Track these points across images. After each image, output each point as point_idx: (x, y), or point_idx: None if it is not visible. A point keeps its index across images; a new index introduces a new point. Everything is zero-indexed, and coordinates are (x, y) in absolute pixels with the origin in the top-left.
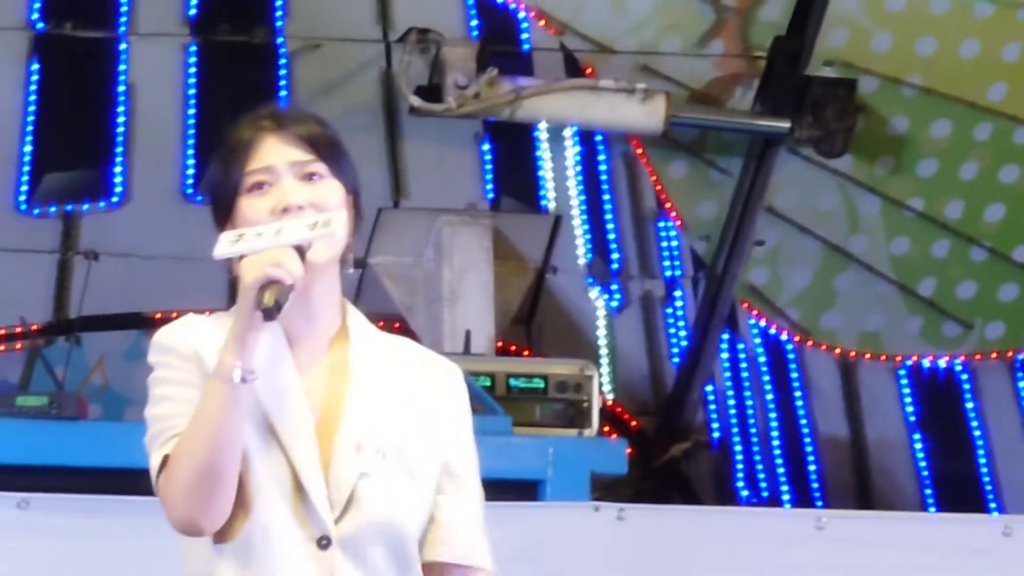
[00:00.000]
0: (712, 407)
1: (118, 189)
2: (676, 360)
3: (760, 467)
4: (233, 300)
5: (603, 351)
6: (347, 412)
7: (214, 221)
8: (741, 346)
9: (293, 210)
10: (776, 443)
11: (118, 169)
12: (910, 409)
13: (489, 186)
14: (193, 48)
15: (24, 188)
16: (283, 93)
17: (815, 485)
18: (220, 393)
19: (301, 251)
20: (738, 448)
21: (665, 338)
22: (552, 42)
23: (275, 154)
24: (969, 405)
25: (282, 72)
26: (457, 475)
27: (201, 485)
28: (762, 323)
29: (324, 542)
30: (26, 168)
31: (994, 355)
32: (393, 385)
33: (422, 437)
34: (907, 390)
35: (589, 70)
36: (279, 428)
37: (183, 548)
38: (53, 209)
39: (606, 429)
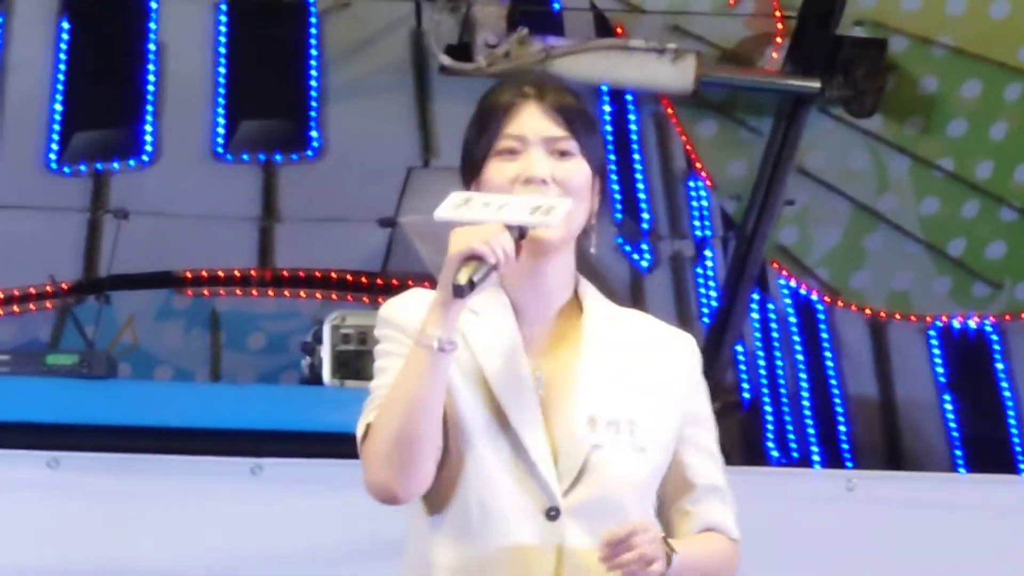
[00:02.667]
0: (742, 367)
1: (148, 148)
2: (706, 320)
3: (790, 428)
4: (265, 260)
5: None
6: (579, 384)
7: (461, 178)
8: (771, 306)
9: (536, 182)
10: (806, 404)
11: (148, 128)
12: (940, 370)
13: None
14: (223, 7)
15: (54, 147)
16: (313, 52)
17: (845, 446)
18: (419, 360)
19: (522, 231)
20: (768, 409)
21: (695, 298)
22: (582, 2)
23: (531, 124)
24: (999, 366)
25: (312, 31)
26: (698, 444)
27: (395, 451)
28: (792, 283)
29: (553, 513)
30: (56, 127)
31: None
32: (625, 357)
33: (654, 409)
34: (937, 351)
35: (619, 30)
36: (504, 401)
37: (407, 529)
38: (83, 168)
39: None
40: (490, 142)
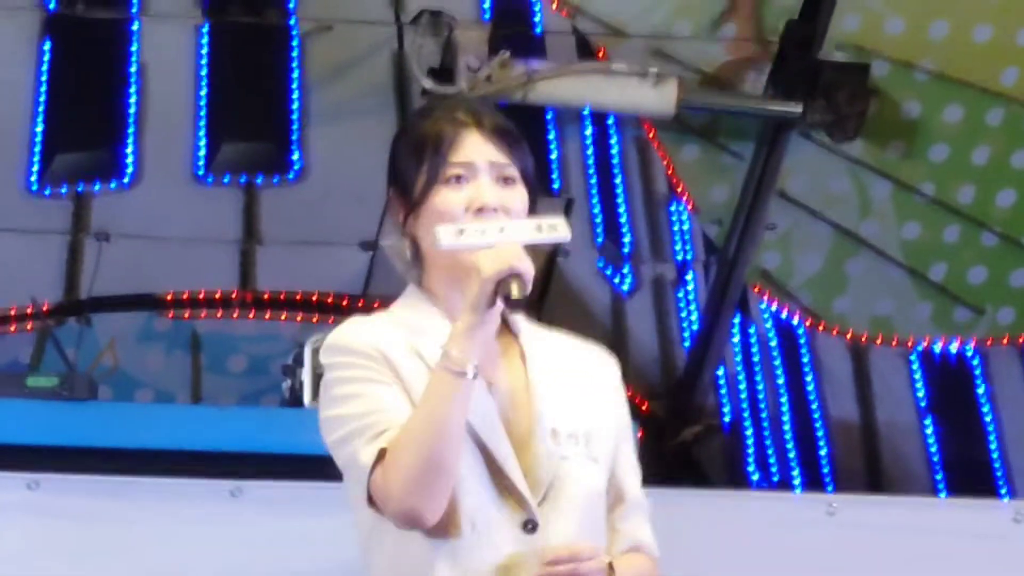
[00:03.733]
0: (723, 391)
1: (129, 170)
2: (687, 344)
3: (771, 451)
4: (246, 282)
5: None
6: (535, 398)
7: (396, 205)
8: (752, 330)
9: (488, 211)
10: (787, 427)
11: (129, 150)
12: (921, 394)
13: None
14: (205, 29)
15: (35, 168)
16: (295, 75)
17: (826, 469)
18: (449, 386)
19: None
20: (749, 432)
21: (676, 321)
22: (564, 25)
23: (477, 150)
24: (980, 390)
25: (294, 54)
26: (626, 457)
27: (426, 477)
28: (773, 307)
29: (530, 526)
30: (37, 148)
31: (1005, 340)
32: (566, 370)
33: (601, 421)
34: (918, 375)
35: (601, 53)
36: (471, 419)
37: (368, 554)
38: (64, 190)
39: None
40: (435, 171)
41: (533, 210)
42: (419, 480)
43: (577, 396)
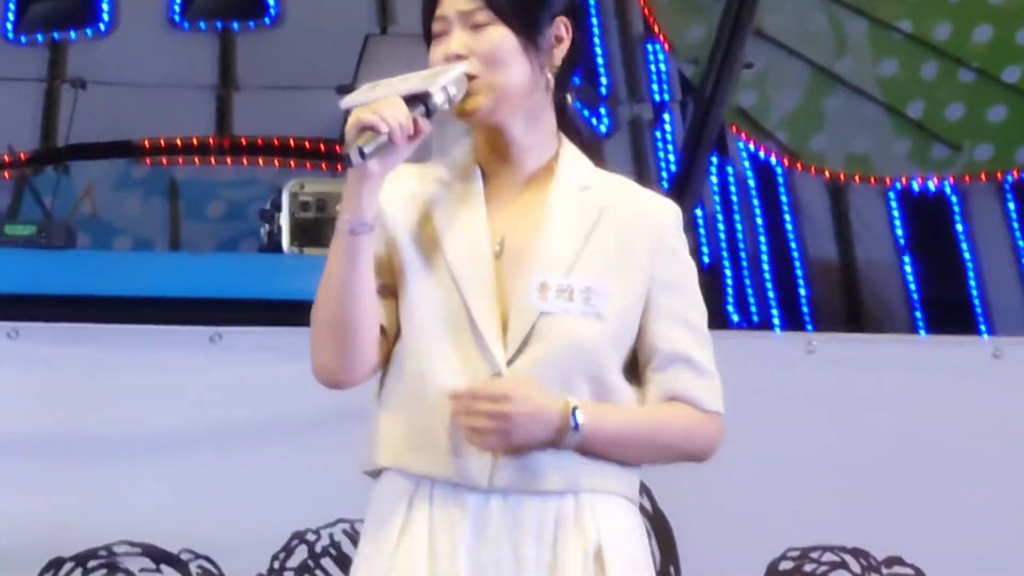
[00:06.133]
0: (701, 231)
1: (105, 17)
2: (665, 184)
3: (750, 291)
4: (223, 128)
5: None
6: (535, 251)
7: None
8: (730, 170)
9: (451, 58)
10: (766, 267)
11: None
12: (900, 232)
13: None
14: None
15: (11, 16)
16: None
17: (805, 309)
18: (339, 244)
19: (425, 103)
20: (728, 273)
21: (654, 162)
22: None
23: (448, 4)
24: (959, 227)
25: None
26: (667, 311)
27: (331, 336)
28: (751, 146)
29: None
30: None
31: (983, 177)
32: (592, 223)
33: (617, 276)
34: (896, 212)
35: None
36: (457, 272)
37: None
38: (40, 37)
39: None
40: (427, 27)
41: (532, 35)
42: (325, 340)
43: (592, 250)
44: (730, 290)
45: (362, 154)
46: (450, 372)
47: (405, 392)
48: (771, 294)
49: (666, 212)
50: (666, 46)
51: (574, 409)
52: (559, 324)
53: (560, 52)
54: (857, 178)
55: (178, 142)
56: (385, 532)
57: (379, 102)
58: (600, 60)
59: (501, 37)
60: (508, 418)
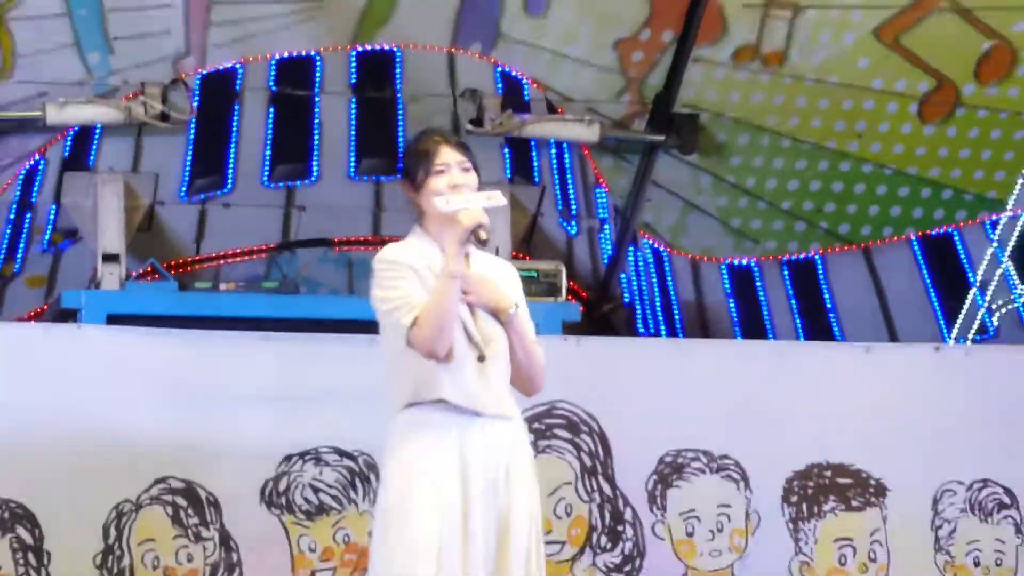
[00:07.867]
0: (624, 286)
1: (315, 172)
2: (605, 262)
3: (650, 319)
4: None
5: (567, 256)
6: (484, 288)
7: (408, 188)
8: (639, 254)
9: (459, 187)
10: (659, 306)
11: None
12: (728, 287)
13: (508, 170)
14: None
15: (266, 171)
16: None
17: (678, 327)
18: (447, 284)
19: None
20: (638, 308)
21: (599, 250)
22: (540, 95)
23: (450, 156)
24: (761, 296)
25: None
26: (524, 308)
27: (438, 331)
28: (651, 242)
29: (481, 359)
30: None
31: (772, 257)
32: (493, 272)
33: (517, 299)
34: (726, 277)
35: (560, 110)
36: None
37: (399, 367)
38: (281, 184)
39: (569, 297)
40: (428, 168)
41: (480, 185)
42: (435, 333)
43: (503, 285)
44: (639, 316)
45: (480, 241)
46: (462, 353)
47: (448, 360)
48: (661, 317)
49: (514, 270)
50: (607, 188)
51: (515, 306)
52: (499, 329)
53: None
54: (705, 259)
55: (347, 237)
56: (426, 438)
57: (480, 211)
58: (572, 195)
59: (475, 178)
60: (486, 282)
